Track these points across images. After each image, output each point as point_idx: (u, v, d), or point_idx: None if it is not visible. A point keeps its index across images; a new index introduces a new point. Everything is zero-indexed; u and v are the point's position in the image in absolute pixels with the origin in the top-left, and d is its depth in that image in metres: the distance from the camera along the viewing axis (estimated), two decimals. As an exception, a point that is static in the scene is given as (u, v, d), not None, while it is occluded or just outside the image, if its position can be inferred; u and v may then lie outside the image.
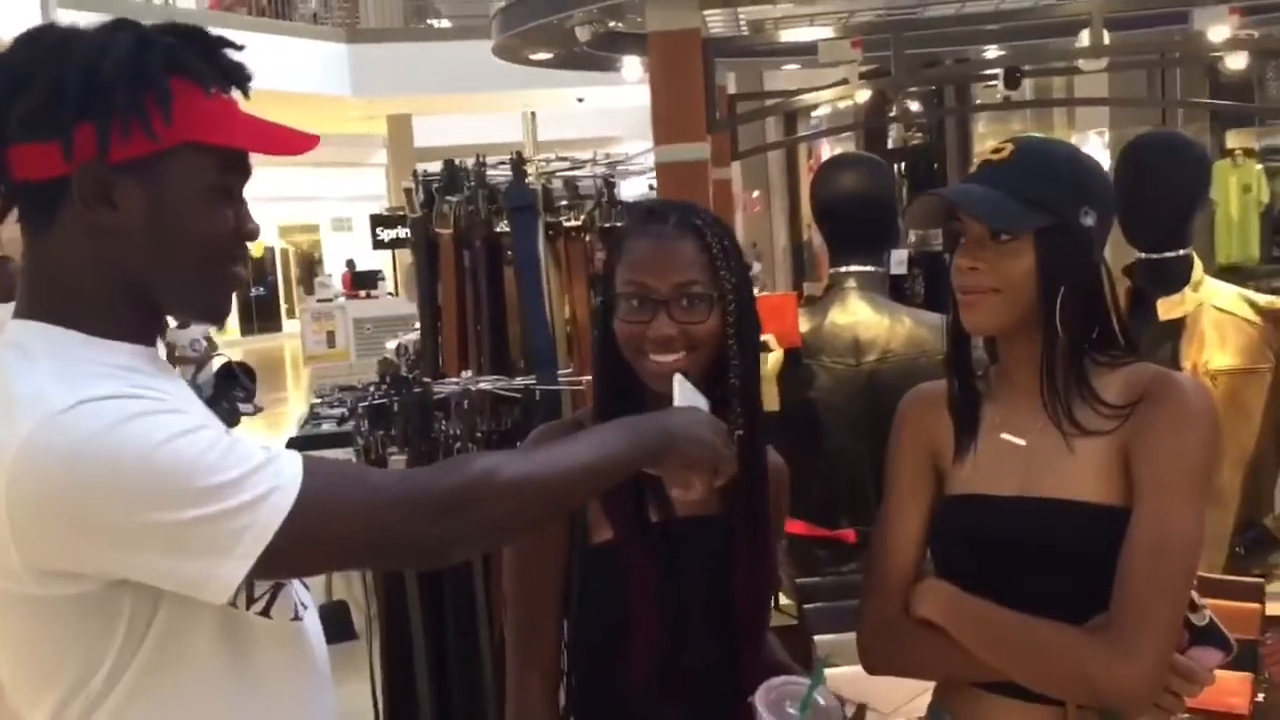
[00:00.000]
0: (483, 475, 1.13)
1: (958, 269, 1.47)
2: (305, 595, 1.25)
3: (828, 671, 1.49)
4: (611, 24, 4.36)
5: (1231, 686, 2.14)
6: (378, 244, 13.39)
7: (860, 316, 2.53)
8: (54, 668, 1.08)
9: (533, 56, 4.61)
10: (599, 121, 15.67)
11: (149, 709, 1.10)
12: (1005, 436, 1.49)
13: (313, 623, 1.26)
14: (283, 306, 22.50)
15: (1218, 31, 3.33)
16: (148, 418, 1.03)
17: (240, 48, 1.18)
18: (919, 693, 1.93)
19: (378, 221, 13.23)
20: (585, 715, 1.58)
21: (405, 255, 13.12)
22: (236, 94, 1.17)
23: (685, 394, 1.41)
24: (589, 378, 2.72)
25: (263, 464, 1.05)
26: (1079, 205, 1.43)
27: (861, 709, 1.52)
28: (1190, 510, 1.39)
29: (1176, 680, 1.40)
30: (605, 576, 1.50)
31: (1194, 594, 1.40)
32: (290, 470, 1.07)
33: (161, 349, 1.20)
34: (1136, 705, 1.41)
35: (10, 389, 1.04)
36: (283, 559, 1.05)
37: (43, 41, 1.10)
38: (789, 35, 3.87)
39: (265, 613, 1.16)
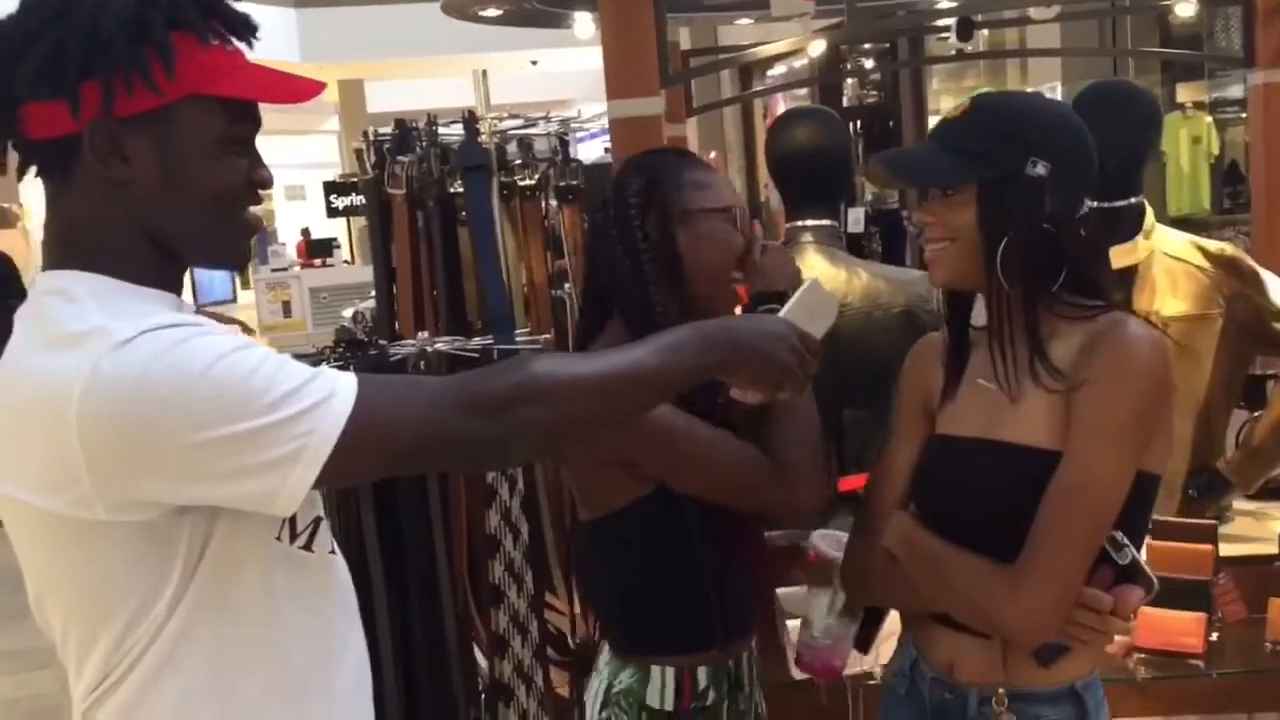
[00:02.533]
0: (535, 375, 1.16)
1: (917, 224, 1.54)
2: (332, 538, 1.28)
3: None
4: (562, -21, 4.31)
5: (1185, 627, 2.19)
6: (332, 211, 13.21)
7: (818, 270, 2.52)
8: (120, 594, 1.11)
9: (482, 14, 4.56)
10: (552, 84, 15.54)
11: (204, 636, 1.14)
12: (980, 382, 1.54)
13: (341, 562, 1.30)
14: (237, 276, 22.22)
15: (1167, -20, 3.33)
16: (203, 338, 1.06)
17: None
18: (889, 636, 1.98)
19: (331, 189, 13.04)
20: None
21: (360, 222, 12.97)
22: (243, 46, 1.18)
23: (819, 298, 1.45)
24: (547, 336, 2.71)
25: (317, 373, 1.09)
26: (1025, 155, 1.45)
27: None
28: (1112, 459, 1.41)
29: (1086, 614, 1.42)
30: None
31: (1118, 534, 1.43)
32: (344, 377, 1.10)
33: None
34: (1026, 639, 1.45)
35: (68, 327, 1.07)
36: (348, 460, 1.08)
37: (50, 2, 1.12)
38: (741, -11, 3.84)
39: (308, 546, 1.20)
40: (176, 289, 1.19)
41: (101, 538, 1.09)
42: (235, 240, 1.20)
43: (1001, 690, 1.50)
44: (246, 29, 1.18)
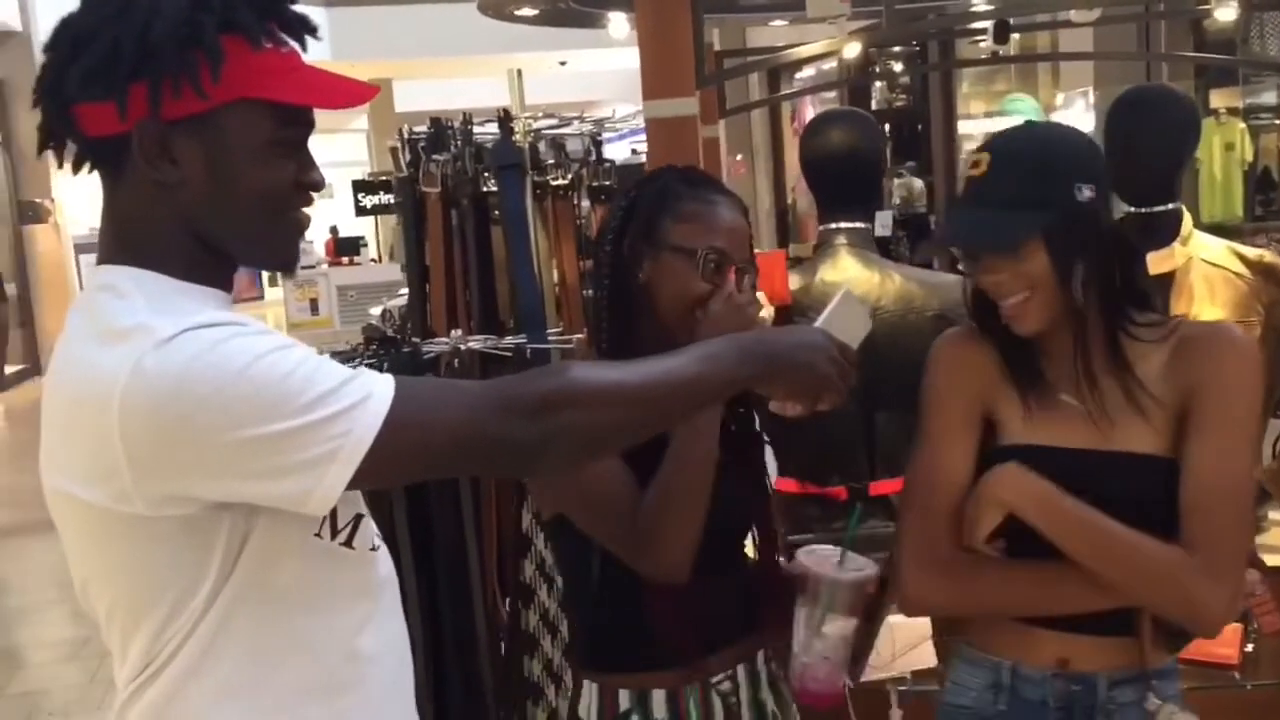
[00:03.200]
0: (574, 380, 1.16)
1: (987, 286, 1.51)
2: (376, 532, 1.28)
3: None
4: (597, -20, 4.31)
5: (1221, 637, 2.16)
6: (361, 210, 13.26)
7: (851, 273, 2.52)
8: (160, 586, 1.13)
9: (517, 13, 4.57)
10: (582, 85, 15.56)
11: (243, 628, 1.15)
12: (1064, 398, 1.52)
13: (385, 556, 1.30)
14: (264, 274, 22.36)
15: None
16: (243, 338, 1.07)
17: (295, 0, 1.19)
18: (917, 642, 1.94)
19: (360, 188, 13.09)
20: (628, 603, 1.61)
21: (388, 220, 13.01)
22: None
23: (853, 308, 1.44)
24: (579, 336, 2.71)
25: (355, 375, 1.10)
26: (1071, 185, 1.44)
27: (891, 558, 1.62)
28: (1249, 449, 1.49)
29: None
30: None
31: None
32: (382, 379, 1.10)
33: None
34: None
35: (115, 323, 1.09)
36: (385, 462, 1.08)
37: (109, 1, 1.12)
38: (776, -9, 3.84)
39: (348, 543, 1.21)
40: (227, 286, 1.19)
41: (142, 531, 1.10)
42: (285, 242, 1.21)
43: (1155, 698, 1.51)
44: (304, 29, 1.17)
